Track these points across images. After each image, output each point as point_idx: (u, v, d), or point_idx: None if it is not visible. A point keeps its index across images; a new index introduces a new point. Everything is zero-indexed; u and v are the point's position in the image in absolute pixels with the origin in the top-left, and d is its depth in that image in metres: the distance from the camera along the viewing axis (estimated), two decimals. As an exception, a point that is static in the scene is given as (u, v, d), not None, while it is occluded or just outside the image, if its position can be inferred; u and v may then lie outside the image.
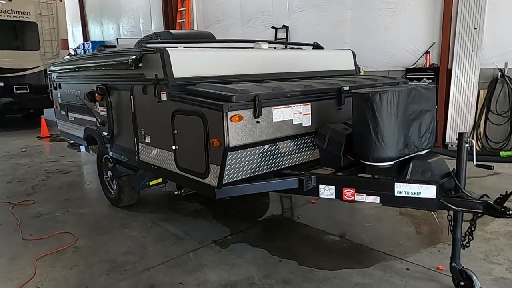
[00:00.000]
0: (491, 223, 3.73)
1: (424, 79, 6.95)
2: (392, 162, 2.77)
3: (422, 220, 3.91)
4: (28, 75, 10.81)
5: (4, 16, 10.45)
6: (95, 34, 17.53)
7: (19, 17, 10.72)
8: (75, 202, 4.84)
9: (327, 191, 2.95)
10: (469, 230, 2.63)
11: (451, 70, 6.73)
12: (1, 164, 6.96)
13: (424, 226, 3.79)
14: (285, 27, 9.36)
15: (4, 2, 10.30)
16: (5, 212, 4.53)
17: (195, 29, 11.48)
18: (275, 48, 4.99)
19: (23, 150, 8.12)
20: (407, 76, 7.16)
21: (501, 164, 5.80)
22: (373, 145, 2.71)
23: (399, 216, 4.04)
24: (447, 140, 6.80)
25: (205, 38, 4.81)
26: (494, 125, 6.42)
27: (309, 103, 3.16)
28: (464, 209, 2.55)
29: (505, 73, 6.21)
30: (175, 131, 3.10)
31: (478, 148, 6.49)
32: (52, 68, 5.77)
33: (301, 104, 3.10)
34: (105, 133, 4.26)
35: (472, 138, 6.41)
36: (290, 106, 3.02)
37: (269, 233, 3.81)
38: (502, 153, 6.09)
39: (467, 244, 2.67)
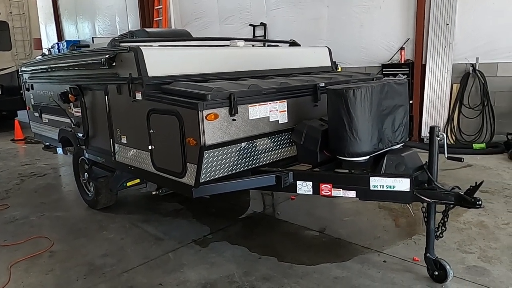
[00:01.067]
0: (464, 213, 3.84)
1: (400, 74, 7.11)
2: (367, 157, 2.82)
3: (399, 213, 3.99)
4: (0, 76, 10.49)
5: (-28, 15, 10.12)
6: (70, 33, 17.11)
7: (-12, 16, 10.39)
8: (51, 205, 4.74)
9: (304, 187, 2.98)
10: (442, 221, 2.71)
11: (425, 65, 6.88)
12: (-27, 169, 6.74)
13: (401, 219, 3.87)
14: (263, 25, 9.37)
15: (-28, 1, 9.98)
16: (-23, 218, 4.40)
17: (173, 27, 11.36)
18: (253, 45, 4.99)
19: (-4, 153, 7.89)
20: (383, 72, 7.28)
21: (474, 156, 5.97)
22: (348, 141, 2.75)
23: (377, 209, 4.11)
24: (422, 134, 6.95)
25: (182, 36, 4.77)
26: (467, 118, 6.60)
27: (285, 100, 3.18)
28: (437, 200, 2.63)
29: (477, 68, 6.39)
30: (151, 131, 3.07)
31: (452, 141, 6.67)
32: (23, 68, 5.61)
33: (277, 102, 3.12)
34: (80, 135, 4.18)
35: (446, 131, 6.60)
36: (266, 104, 3.03)
37: (249, 231, 3.82)
38: (474, 145, 6.27)
39: (441, 235, 2.74)
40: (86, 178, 4.39)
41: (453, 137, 6.70)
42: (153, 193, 3.37)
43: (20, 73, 5.90)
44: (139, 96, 3.13)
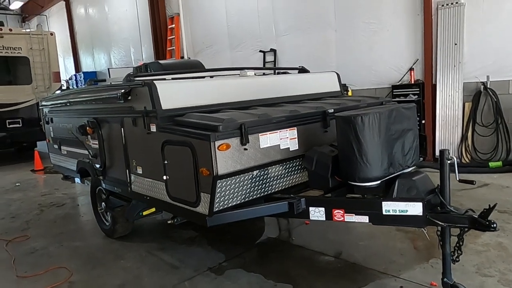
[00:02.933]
0: (482, 235, 3.77)
1: (410, 94, 7.13)
2: (378, 182, 2.84)
3: (415, 236, 3.95)
4: (20, 109, 10.88)
5: (-4, 52, 10.60)
6: (87, 64, 17.74)
7: (11, 52, 10.86)
8: (70, 235, 4.84)
9: (317, 213, 3.01)
10: (457, 244, 2.68)
11: (435, 85, 6.90)
12: (-5, 200, 6.94)
13: (417, 242, 3.83)
14: (273, 50, 9.57)
15: (-4, 39, 10.48)
16: (-1, 249, 4.51)
17: (185, 55, 11.69)
18: (264, 73, 5.11)
19: (17, 184, 8.11)
20: (394, 93, 7.33)
21: (490, 175, 5.89)
22: (358, 166, 2.78)
23: (392, 232, 4.07)
24: (436, 153, 6.90)
25: (194, 67, 4.93)
26: (481, 136, 6.55)
27: (295, 128, 3.24)
28: (451, 224, 2.61)
29: (488, 86, 6.38)
30: (166, 162, 3.16)
31: (467, 160, 6.60)
32: (44, 103, 5.85)
33: (287, 129, 3.18)
34: (98, 165, 4.31)
35: (461, 150, 6.55)
36: (277, 132, 3.10)
37: (265, 257, 3.82)
38: (491, 163, 6.20)
39: (457, 259, 2.71)
40: (103, 207, 4.50)
41: (468, 156, 6.63)
42: (169, 222, 3.43)
43: (40, 107, 6.14)
44: (153, 128, 3.24)
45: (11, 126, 10.67)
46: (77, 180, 5.51)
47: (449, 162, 2.63)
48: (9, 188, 7.83)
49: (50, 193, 7.15)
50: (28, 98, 10.97)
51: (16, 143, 11.41)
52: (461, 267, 3.16)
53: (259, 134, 2.98)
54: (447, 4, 6.62)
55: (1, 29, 10.78)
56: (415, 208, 2.66)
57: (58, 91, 10.61)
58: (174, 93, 3.31)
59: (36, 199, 6.78)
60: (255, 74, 4.32)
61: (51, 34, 11.79)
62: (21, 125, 10.81)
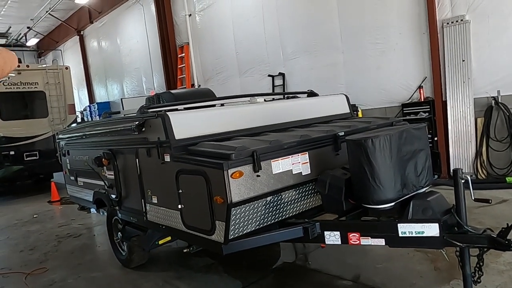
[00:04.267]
0: (504, 254, 3.67)
1: (421, 112, 7.13)
2: (392, 204, 2.83)
3: (434, 256, 3.87)
4: (37, 141, 11.16)
5: (14, 88, 10.97)
6: (100, 95, 18.20)
7: (28, 87, 11.23)
8: (87, 266, 4.87)
9: (332, 237, 3.00)
10: (478, 265, 2.64)
11: (446, 101, 6.89)
12: (13, 233, 7.04)
13: (436, 263, 3.75)
14: (281, 74, 9.70)
15: (14, 75, 10.86)
16: (18, 282, 4.56)
17: (195, 83, 11.92)
18: (273, 99, 5.17)
19: (35, 216, 8.23)
20: (404, 111, 7.33)
21: (508, 190, 5.78)
22: (371, 189, 2.78)
23: (410, 254, 4.01)
24: (451, 170, 6.80)
25: (205, 95, 5.04)
26: (496, 151, 6.46)
27: (307, 152, 3.27)
28: (469, 245, 2.58)
29: (499, 101, 6.34)
30: (180, 191, 3.20)
31: (483, 176, 6.50)
32: (60, 136, 6.01)
33: (299, 154, 3.22)
34: (114, 196, 4.38)
35: (476, 166, 6.47)
36: (288, 157, 3.14)
37: (281, 283, 3.79)
38: (508, 179, 6.09)
39: (478, 280, 2.66)
40: (120, 237, 4.54)
41: (484, 171, 6.53)
42: (185, 250, 3.45)
43: (57, 141, 6.30)
44: (167, 158, 3.30)
45: (28, 158, 10.92)
46: (93, 210, 5.59)
47: (463, 181, 2.62)
48: (27, 220, 7.95)
49: (67, 224, 7.24)
50: (45, 130, 11.25)
51: (33, 175, 11.64)
52: (484, 288, 3.08)
53: (271, 160, 3.02)
54: (452, 22, 6.69)
55: (19, 66, 11.20)
56: (431, 229, 2.64)
57: (74, 124, 10.88)
58: (186, 123, 3.39)
59: (53, 230, 6.86)
60: (264, 100, 4.40)
61: (66, 68, 12.19)
62: (38, 158, 11.05)
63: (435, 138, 7.03)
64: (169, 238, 3.91)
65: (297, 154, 3.20)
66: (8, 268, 5.11)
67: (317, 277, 3.79)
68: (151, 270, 4.43)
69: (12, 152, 10.65)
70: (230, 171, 2.75)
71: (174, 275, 4.23)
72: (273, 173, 3.03)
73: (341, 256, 4.19)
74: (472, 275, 2.65)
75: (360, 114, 7.71)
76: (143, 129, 3.57)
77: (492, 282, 3.22)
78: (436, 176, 6.92)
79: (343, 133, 3.52)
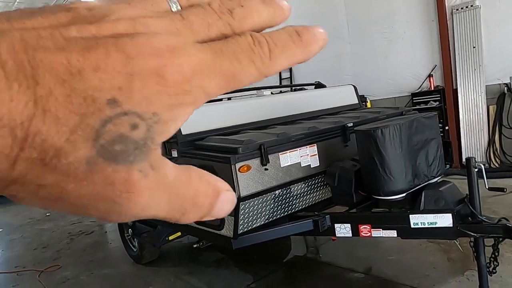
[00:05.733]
0: (519, 243, 3.61)
1: (431, 101, 7.01)
2: (404, 194, 2.78)
3: (447, 247, 3.82)
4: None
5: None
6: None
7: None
8: (99, 262, 4.90)
9: (343, 230, 2.96)
10: (493, 255, 2.58)
11: (456, 90, 6.76)
12: (27, 231, 7.13)
13: (450, 254, 3.69)
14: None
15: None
16: (32, 280, 4.61)
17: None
18: (281, 91, 5.12)
19: (47, 214, 8.32)
20: (414, 101, 7.22)
21: (522, 178, 5.66)
22: (382, 180, 2.73)
23: (423, 245, 3.95)
24: (463, 159, 6.70)
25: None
26: (509, 139, 6.33)
27: (315, 144, 3.23)
28: (484, 235, 2.52)
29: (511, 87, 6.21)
30: (188, 186, 3.18)
31: (496, 165, 6.38)
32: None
33: (307, 146, 3.17)
34: (123, 193, 4.38)
35: (489, 155, 6.35)
36: (296, 150, 3.10)
37: (293, 276, 3.77)
38: (522, 167, 5.97)
39: (494, 270, 2.61)
40: (130, 234, 4.55)
41: (498, 160, 6.41)
42: (194, 246, 3.45)
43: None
44: (174, 153, 3.29)
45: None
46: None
47: (476, 170, 2.55)
48: (40, 218, 8.05)
49: (79, 221, 7.30)
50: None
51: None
52: (499, 278, 3.02)
53: (279, 153, 2.98)
54: (462, 8, 6.54)
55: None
56: (444, 220, 2.58)
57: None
58: (193, 118, 3.30)
59: (66, 228, 6.93)
60: (271, 93, 4.35)
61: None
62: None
63: (446, 127, 6.91)
64: (179, 234, 3.91)
65: (305, 147, 3.16)
66: (22, 266, 5.17)
67: (328, 270, 3.76)
68: (162, 266, 4.45)
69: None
70: (238, 165, 2.72)
71: (185, 270, 4.23)
72: (281, 166, 2.99)
73: (352, 248, 4.15)
74: (487, 266, 2.60)
75: (369, 105, 7.62)
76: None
77: (508, 272, 3.15)
78: (448, 166, 6.83)
79: (351, 124, 3.46)
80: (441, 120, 6.90)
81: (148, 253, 4.46)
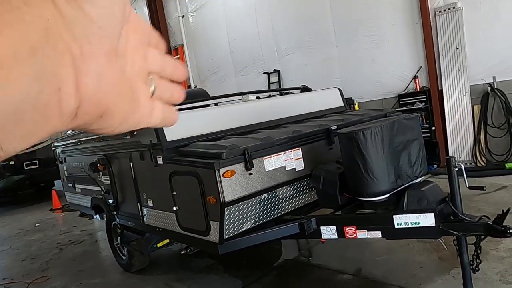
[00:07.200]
0: (504, 240, 3.65)
1: (417, 102, 7.09)
2: (387, 195, 2.81)
3: (434, 247, 3.85)
4: (37, 150, 11.14)
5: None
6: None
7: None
8: (89, 272, 4.87)
9: (329, 232, 2.98)
10: (475, 253, 2.61)
11: (441, 90, 6.85)
12: (15, 242, 7.05)
13: (436, 253, 3.73)
14: (277, 71, 9.67)
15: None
16: (20, 292, 4.57)
17: (191, 84, 11.89)
18: (270, 95, 5.14)
19: (37, 225, 8.23)
20: (401, 102, 7.29)
21: (508, 176, 5.75)
22: (365, 181, 2.76)
23: (410, 245, 3.98)
24: (451, 159, 6.77)
25: (198, 96, 5.01)
26: (494, 138, 6.42)
27: (299, 148, 3.25)
28: (465, 233, 2.56)
29: (495, 87, 6.30)
30: (174, 192, 3.19)
31: (482, 163, 6.47)
32: (56, 143, 6.00)
33: (292, 150, 3.19)
34: (111, 201, 4.37)
35: (475, 153, 6.44)
36: (281, 154, 3.12)
37: (283, 281, 3.78)
38: (507, 165, 6.05)
39: (477, 268, 2.64)
40: (119, 242, 4.53)
41: (483, 158, 6.50)
42: (182, 252, 3.44)
43: (53, 148, 6.30)
44: (160, 160, 3.29)
45: (28, 167, 10.92)
46: (97, 216, 5.58)
47: (456, 169, 2.59)
48: (29, 229, 7.96)
49: (69, 231, 7.24)
50: (44, 138, 11.24)
51: (34, 184, 11.63)
52: (484, 275, 3.07)
53: (263, 158, 3.00)
54: (444, 10, 6.64)
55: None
56: (427, 219, 2.61)
57: (70, 131, 10.83)
58: (178, 124, 3.33)
59: (55, 238, 6.86)
60: (257, 98, 4.37)
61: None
62: (38, 166, 11.05)
63: (433, 128, 6.99)
64: (167, 241, 3.90)
65: (290, 150, 3.18)
66: (10, 278, 5.11)
67: (318, 273, 3.78)
68: (152, 273, 4.42)
69: (12, 162, 10.65)
70: (222, 170, 2.73)
71: (175, 277, 4.22)
72: (266, 170, 3.01)
73: (342, 250, 4.17)
74: (470, 263, 2.63)
75: (356, 107, 7.69)
76: (135, 133, 3.55)
77: (492, 269, 3.20)
78: (435, 166, 6.90)
79: (336, 127, 3.50)
80: (428, 121, 6.99)
81: (137, 261, 4.44)
